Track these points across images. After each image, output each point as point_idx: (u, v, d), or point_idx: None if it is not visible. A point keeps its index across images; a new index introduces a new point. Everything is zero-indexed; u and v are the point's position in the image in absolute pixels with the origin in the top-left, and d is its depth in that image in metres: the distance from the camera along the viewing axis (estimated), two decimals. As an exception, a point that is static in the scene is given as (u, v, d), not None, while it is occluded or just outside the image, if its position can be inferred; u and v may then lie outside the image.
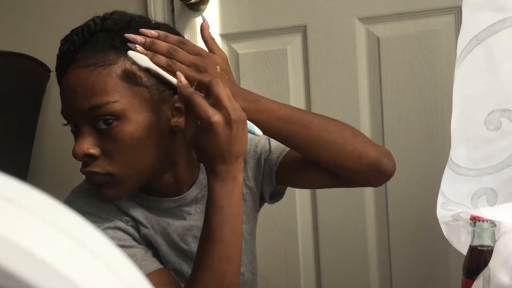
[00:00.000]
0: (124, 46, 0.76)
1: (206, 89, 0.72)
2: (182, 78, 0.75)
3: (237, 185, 0.74)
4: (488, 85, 0.84)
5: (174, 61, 0.78)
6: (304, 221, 1.47)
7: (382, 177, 0.87)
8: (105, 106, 0.73)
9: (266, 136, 0.91)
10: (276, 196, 0.99)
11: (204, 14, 1.46)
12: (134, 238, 0.81)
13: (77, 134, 0.77)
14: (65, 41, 0.78)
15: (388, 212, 1.41)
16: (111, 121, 0.74)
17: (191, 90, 0.73)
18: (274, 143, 0.94)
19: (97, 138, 0.75)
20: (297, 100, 1.42)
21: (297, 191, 1.46)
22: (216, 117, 0.69)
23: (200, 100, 0.70)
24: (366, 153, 0.84)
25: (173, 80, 0.76)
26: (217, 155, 0.72)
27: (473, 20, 0.81)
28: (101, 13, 0.80)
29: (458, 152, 0.88)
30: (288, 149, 0.92)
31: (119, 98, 0.74)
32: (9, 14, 1.62)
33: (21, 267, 0.22)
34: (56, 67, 0.80)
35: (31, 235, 0.23)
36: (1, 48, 1.47)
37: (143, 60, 0.76)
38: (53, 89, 1.58)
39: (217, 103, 0.70)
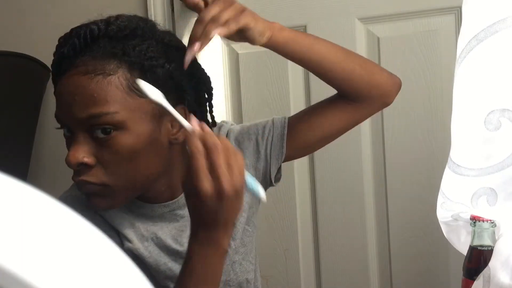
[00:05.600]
0: (124, 56, 0.72)
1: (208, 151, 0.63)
2: (197, 127, 0.66)
3: (218, 251, 0.67)
4: (488, 85, 0.84)
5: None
6: (304, 221, 1.47)
7: (398, 86, 0.92)
8: (105, 116, 0.70)
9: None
10: (276, 173, 0.94)
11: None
12: None
13: (71, 140, 0.73)
14: (65, 42, 0.74)
15: (388, 212, 1.41)
16: (109, 130, 0.71)
17: (200, 147, 0.63)
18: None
19: (93, 146, 0.72)
20: (297, 100, 1.42)
21: (297, 191, 1.46)
22: (205, 188, 0.62)
23: (198, 164, 0.62)
24: (382, 68, 0.94)
25: (185, 123, 0.67)
26: (200, 221, 0.66)
27: (473, 20, 0.81)
28: (101, 13, 0.77)
29: (458, 152, 0.88)
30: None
31: (119, 109, 0.71)
32: (9, 13, 1.61)
33: (20, 267, 0.22)
34: (53, 67, 0.76)
35: (30, 235, 0.23)
36: (1, 48, 1.47)
37: (155, 93, 0.68)
38: (53, 89, 1.58)
39: (212, 171, 0.62)
